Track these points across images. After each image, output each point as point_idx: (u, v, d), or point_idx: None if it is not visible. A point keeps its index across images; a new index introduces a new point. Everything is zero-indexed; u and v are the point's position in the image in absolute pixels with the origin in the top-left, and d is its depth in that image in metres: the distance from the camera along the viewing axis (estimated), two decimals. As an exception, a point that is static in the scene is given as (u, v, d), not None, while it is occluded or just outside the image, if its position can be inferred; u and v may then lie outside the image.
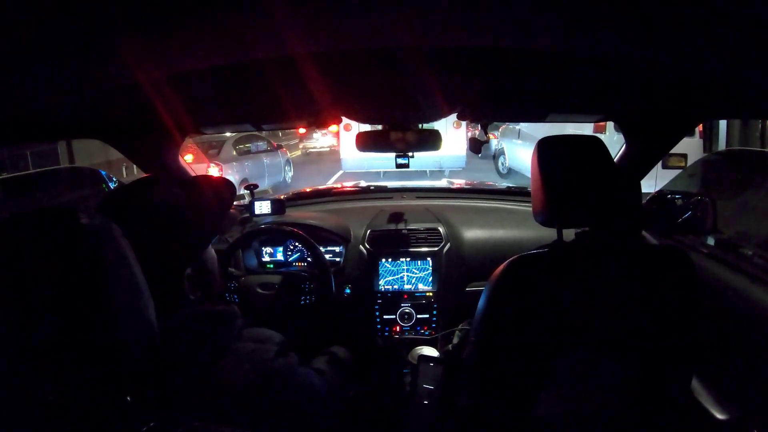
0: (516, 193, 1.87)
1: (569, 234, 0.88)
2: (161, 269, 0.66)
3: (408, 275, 1.59)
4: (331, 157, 11.62)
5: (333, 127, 9.13)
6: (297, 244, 1.65)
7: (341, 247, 1.64)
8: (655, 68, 0.70)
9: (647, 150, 1.28)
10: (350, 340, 1.38)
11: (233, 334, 0.71)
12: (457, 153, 7.88)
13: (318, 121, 1.37)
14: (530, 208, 0.91)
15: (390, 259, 1.59)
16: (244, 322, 0.76)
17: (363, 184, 2.10)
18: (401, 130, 1.33)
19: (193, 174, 1.53)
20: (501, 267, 0.84)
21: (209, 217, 0.77)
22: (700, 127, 4.34)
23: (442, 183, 2.26)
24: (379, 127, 1.38)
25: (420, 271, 1.59)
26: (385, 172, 7.43)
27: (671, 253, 0.83)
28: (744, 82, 0.65)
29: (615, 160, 1.30)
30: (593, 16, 0.49)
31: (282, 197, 1.82)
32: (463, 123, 7.42)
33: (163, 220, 0.69)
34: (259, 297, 1.42)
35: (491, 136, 7.92)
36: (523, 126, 7.58)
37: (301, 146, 14.73)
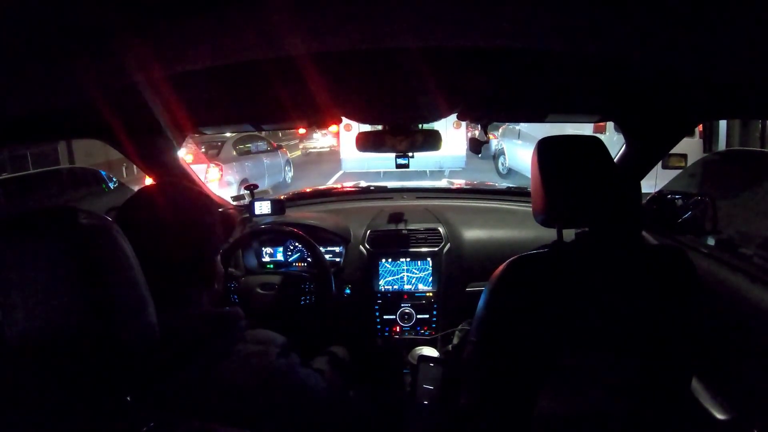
0: (516, 194, 1.87)
1: (569, 234, 0.88)
2: (163, 270, 0.66)
3: (408, 275, 1.59)
4: (331, 157, 11.62)
5: (333, 127, 9.14)
6: (297, 244, 1.65)
7: (341, 248, 1.64)
8: (655, 68, 0.70)
9: (647, 150, 1.28)
10: (350, 340, 1.38)
11: (236, 336, 0.71)
12: (457, 153, 7.89)
13: (318, 121, 1.37)
14: (530, 208, 0.91)
15: (390, 260, 1.59)
16: (247, 323, 0.76)
17: (363, 184, 2.10)
18: (401, 131, 1.33)
19: (193, 174, 1.53)
20: (501, 267, 0.84)
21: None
22: (700, 127, 4.35)
23: (442, 183, 2.25)
24: (379, 127, 1.38)
25: (420, 272, 1.59)
26: (385, 173, 7.43)
27: (671, 253, 0.83)
28: (744, 82, 0.65)
29: (615, 160, 1.30)
30: (593, 17, 0.49)
31: (282, 197, 1.82)
32: (463, 123, 7.43)
33: (169, 225, 0.68)
34: (259, 297, 1.42)
35: (491, 136, 7.92)
36: (523, 126, 7.58)
37: (301, 146, 14.73)
